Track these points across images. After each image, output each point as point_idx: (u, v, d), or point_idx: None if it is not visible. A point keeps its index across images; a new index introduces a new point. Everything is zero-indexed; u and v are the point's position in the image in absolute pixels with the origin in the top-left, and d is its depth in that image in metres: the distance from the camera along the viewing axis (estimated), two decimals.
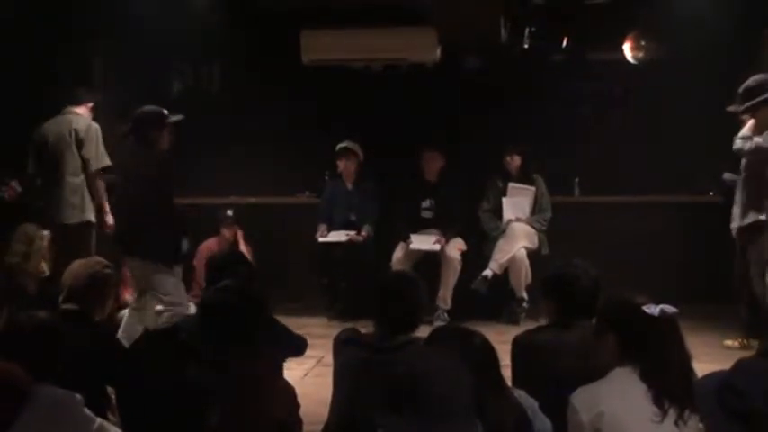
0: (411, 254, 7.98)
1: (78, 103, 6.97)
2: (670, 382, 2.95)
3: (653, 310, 3.01)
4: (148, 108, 6.07)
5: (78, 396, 2.93)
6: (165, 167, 5.84)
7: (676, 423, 2.90)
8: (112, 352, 3.74)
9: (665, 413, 2.92)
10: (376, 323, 3.72)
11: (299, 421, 3.41)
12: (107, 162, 6.85)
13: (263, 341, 3.64)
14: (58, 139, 6.85)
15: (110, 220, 6.85)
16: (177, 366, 2.05)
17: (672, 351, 3.02)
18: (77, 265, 4.26)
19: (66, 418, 2.87)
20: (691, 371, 3.01)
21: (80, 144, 6.83)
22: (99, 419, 2.94)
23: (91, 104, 7.04)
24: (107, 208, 6.86)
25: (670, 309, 3.04)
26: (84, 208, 6.88)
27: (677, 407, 2.92)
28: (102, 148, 6.88)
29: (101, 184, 6.91)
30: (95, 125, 6.89)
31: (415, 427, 2.10)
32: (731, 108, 6.52)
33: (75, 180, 6.88)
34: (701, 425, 2.83)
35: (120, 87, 8.12)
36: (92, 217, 6.91)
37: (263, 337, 3.69)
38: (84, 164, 6.86)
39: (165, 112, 6.09)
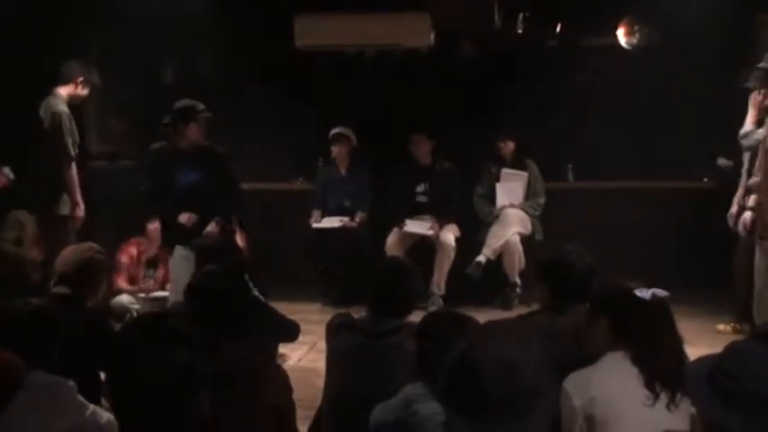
0: (405, 239, 7.98)
1: (65, 82, 6.61)
2: (662, 366, 2.96)
3: (644, 294, 3.02)
4: (183, 101, 6.37)
5: (71, 382, 2.93)
6: None
7: (668, 407, 2.91)
8: (105, 337, 3.74)
9: (656, 397, 2.93)
10: (370, 309, 3.73)
11: (292, 406, 3.41)
12: (70, 153, 6.43)
13: (255, 326, 3.65)
14: (31, 126, 6.56)
15: (80, 212, 6.49)
16: (167, 351, 2.04)
17: (663, 335, 3.03)
18: (69, 251, 4.25)
19: (60, 404, 2.87)
20: (683, 354, 3.02)
21: (43, 133, 6.42)
22: (92, 406, 2.94)
23: (80, 78, 6.64)
24: (77, 199, 6.48)
25: (661, 293, 3.05)
26: (52, 201, 6.45)
27: (669, 391, 2.93)
28: (67, 138, 6.42)
29: (70, 175, 6.47)
30: (60, 112, 6.44)
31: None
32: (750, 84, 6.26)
33: (40, 171, 6.50)
34: (693, 408, 2.84)
35: (116, 76, 8.09)
36: (64, 210, 6.47)
37: (255, 322, 3.70)
38: (50, 153, 6.45)
39: (200, 106, 6.34)
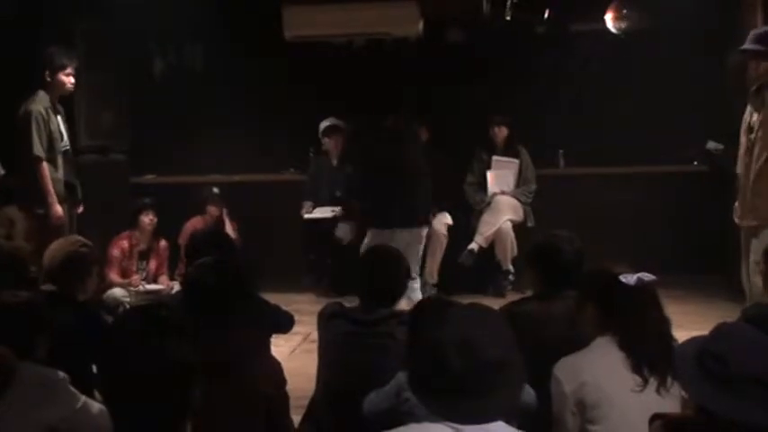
0: None
1: (54, 72, 6.35)
2: (647, 350, 2.96)
3: (629, 279, 3.01)
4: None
5: (62, 374, 2.94)
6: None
7: (658, 391, 2.92)
8: (97, 331, 3.74)
9: (645, 381, 2.93)
10: (359, 298, 3.74)
11: (285, 397, 3.42)
12: (35, 152, 6.21)
13: (249, 317, 3.65)
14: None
15: (56, 212, 6.27)
16: (158, 344, 2.04)
17: (648, 320, 3.03)
18: (54, 246, 4.22)
19: (50, 395, 2.87)
20: (670, 338, 3.02)
21: (16, 131, 6.29)
22: (83, 397, 2.95)
23: (67, 70, 6.42)
24: (50, 199, 6.25)
25: (647, 277, 3.04)
26: (33, 198, 6.30)
27: (658, 375, 2.93)
28: (33, 138, 6.21)
29: (40, 175, 6.23)
30: (31, 111, 6.24)
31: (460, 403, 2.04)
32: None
33: (23, 168, 6.35)
34: (683, 392, 2.84)
35: (105, 69, 8.07)
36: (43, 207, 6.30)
37: (249, 313, 3.70)
38: (24, 151, 6.28)
39: None
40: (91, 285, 4.24)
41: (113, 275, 7.33)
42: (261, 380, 3.26)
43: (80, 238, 4.38)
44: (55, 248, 4.17)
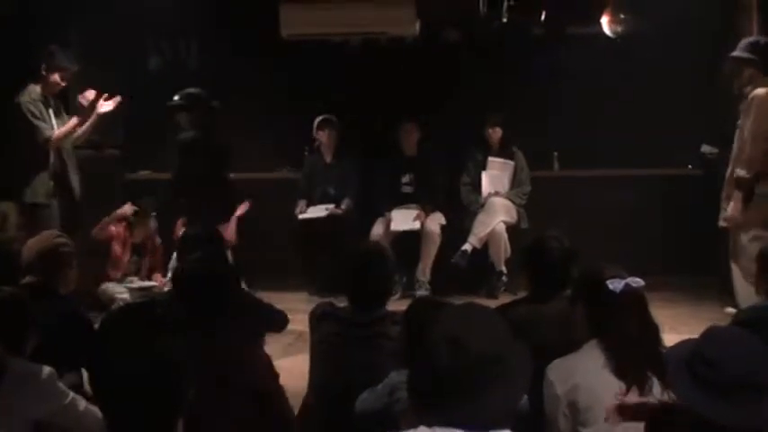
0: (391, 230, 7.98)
1: (41, 73, 6.55)
2: (629, 356, 2.95)
3: (615, 285, 3.00)
4: None
5: (50, 369, 2.94)
6: None
7: (642, 396, 2.91)
8: (79, 325, 3.74)
9: (628, 386, 2.92)
10: (349, 297, 3.72)
11: (280, 390, 3.39)
12: (45, 136, 6.42)
13: (241, 315, 3.64)
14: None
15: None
16: (151, 342, 2.04)
17: (632, 326, 3.00)
18: (31, 242, 4.23)
19: (39, 391, 2.87)
20: (657, 344, 3.00)
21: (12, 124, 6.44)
22: (72, 393, 2.95)
23: (64, 72, 6.59)
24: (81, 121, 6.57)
25: (636, 282, 3.02)
26: (23, 189, 6.49)
27: (640, 381, 2.92)
28: (35, 123, 6.41)
29: (59, 140, 6.50)
30: (21, 102, 6.41)
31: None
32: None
33: (15, 160, 6.54)
34: (673, 396, 2.83)
35: (98, 64, 8.05)
36: (34, 198, 6.50)
37: (241, 310, 3.70)
38: (20, 142, 6.46)
39: None
40: (72, 278, 4.23)
41: (109, 270, 7.30)
42: (252, 376, 3.25)
43: (56, 231, 4.41)
44: (32, 244, 4.18)
